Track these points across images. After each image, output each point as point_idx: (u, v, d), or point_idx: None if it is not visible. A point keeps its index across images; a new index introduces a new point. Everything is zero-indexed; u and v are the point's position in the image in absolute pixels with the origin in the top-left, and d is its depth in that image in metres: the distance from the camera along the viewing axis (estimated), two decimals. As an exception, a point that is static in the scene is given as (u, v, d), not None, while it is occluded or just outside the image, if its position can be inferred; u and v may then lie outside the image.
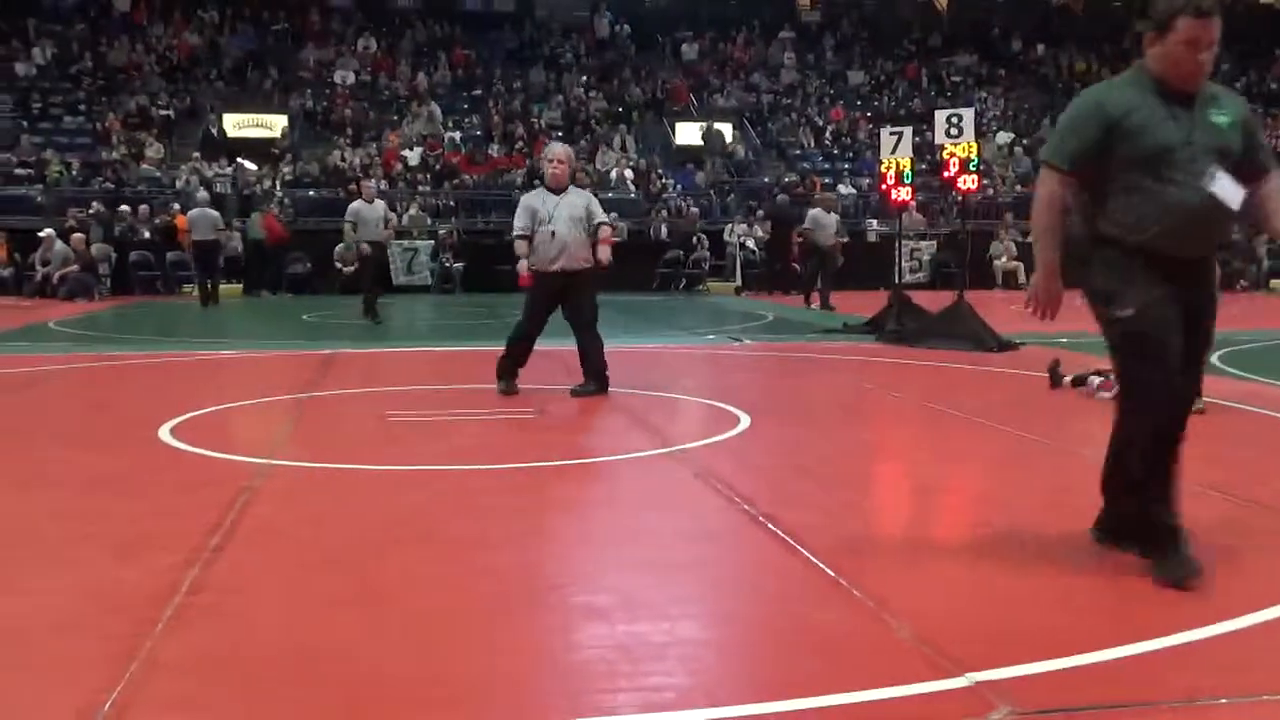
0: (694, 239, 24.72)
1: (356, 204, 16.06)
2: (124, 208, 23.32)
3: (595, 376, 8.90)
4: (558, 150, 9.10)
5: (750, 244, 24.84)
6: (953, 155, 12.76)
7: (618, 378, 8.95)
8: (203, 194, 21.83)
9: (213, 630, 3.62)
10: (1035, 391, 9.03)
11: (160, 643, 3.47)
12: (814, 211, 19.15)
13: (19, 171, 25.36)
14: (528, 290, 8.96)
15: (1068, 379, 8.92)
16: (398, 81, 31.50)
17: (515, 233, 8.94)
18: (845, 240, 19.55)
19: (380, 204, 16.47)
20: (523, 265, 8.88)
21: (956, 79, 35.35)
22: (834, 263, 19.00)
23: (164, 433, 7.11)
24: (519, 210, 9.00)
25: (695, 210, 25.92)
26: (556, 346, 12.33)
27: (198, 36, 31.75)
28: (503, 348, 9.09)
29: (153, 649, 3.41)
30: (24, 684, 3.20)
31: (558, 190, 8.90)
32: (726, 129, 30.86)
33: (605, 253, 8.90)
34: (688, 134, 30.66)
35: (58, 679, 3.21)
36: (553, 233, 8.74)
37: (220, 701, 3.10)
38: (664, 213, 25.91)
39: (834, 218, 19.21)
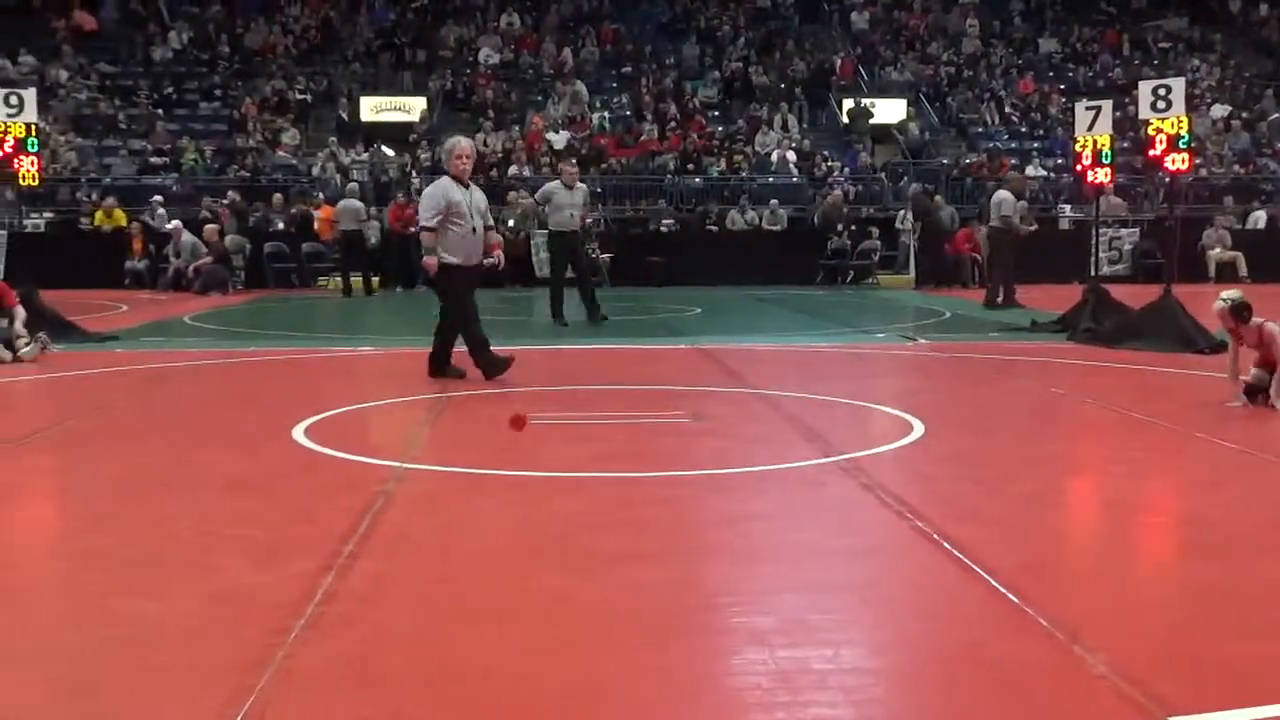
0: (844, 226, 24.24)
1: (553, 185, 15.62)
2: (229, 196, 24.18)
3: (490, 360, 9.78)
4: (466, 145, 10.03)
5: (924, 233, 24.44)
6: (1160, 131, 12.36)
7: (778, 379, 8.92)
8: (352, 185, 22.85)
9: (347, 642, 3.75)
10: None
11: (293, 652, 3.62)
12: (1006, 195, 18.53)
13: (154, 160, 26.65)
14: (442, 283, 9.85)
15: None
16: (542, 59, 32.00)
17: (427, 223, 9.69)
18: (1034, 228, 19.04)
19: (582, 189, 15.87)
20: (432, 261, 9.66)
21: (1164, 45, 34.11)
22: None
23: (298, 433, 7.39)
24: (430, 200, 9.74)
25: (839, 193, 25.41)
26: (717, 346, 12.37)
27: (334, 14, 32.88)
28: (472, 350, 9.79)
29: (286, 658, 3.56)
30: (159, 690, 3.38)
31: (466, 184, 9.81)
32: (900, 105, 30.44)
33: (499, 257, 10.23)
34: (858, 112, 30.33)
35: (191, 686, 3.38)
36: (474, 229, 9.69)
37: (353, 718, 3.21)
38: (829, 199, 25.68)
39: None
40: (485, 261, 10.06)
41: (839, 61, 32.13)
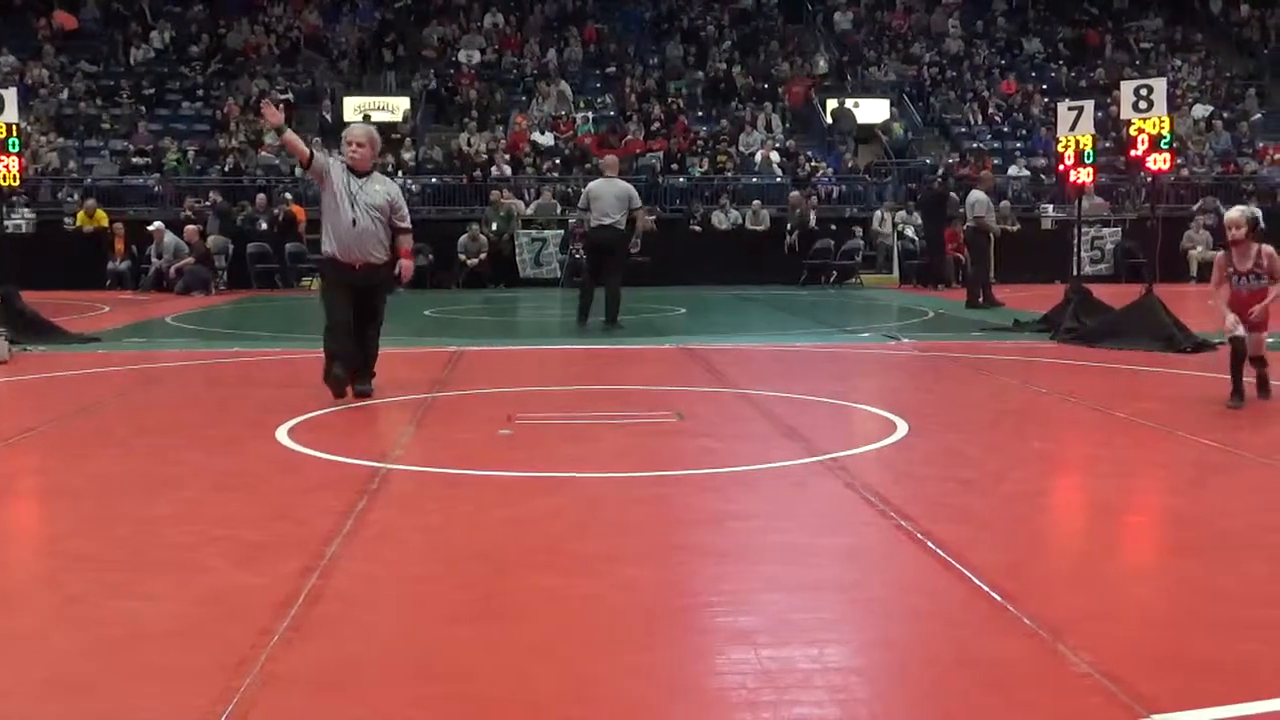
0: (794, 227, 24.18)
1: (597, 183, 14.76)
2: (214, 197, 23.95)
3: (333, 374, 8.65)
4: (357, 133, 8.89)
5: (910, 232, 24.51)
6: (1141, 131, 12.42)
7: (763, 379, 8.93)
8: None
9: (330, 643, 3.75)
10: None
11: (277, 654, 3.61)
12: (980, 196, 18.59)
13: (136, 160, 26.53)
14: (323, 284, 9.16)
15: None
16: (526, 59, 31.96)
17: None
18: (1017, 228, 19.08)
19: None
20: (275, 117, 8.83)
21: (1146, 45, 34.24)
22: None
23: (282, 434, 7.38)
24: (319, 152, 8.88)
25: (796, 194, 25.16)
26: (701, 345, 12.37)
27: (317, 15, 32.78)
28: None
29: (269, 660, 3.56)
30: (144, 691, 3.37)
31: (360, 174, 8.76)
32: (884, 105, 30.49)
33: (408, 269, 8.94)
34: (841, 113, 30.30)
35: (176, 687, 3.37)
36: (353, 220, 8.59)
37: (339, 717, 3.21)
38: (813, 198, 25.70)
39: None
40: (402, 269, 8.85)
41: (797, 88, 31.51)
